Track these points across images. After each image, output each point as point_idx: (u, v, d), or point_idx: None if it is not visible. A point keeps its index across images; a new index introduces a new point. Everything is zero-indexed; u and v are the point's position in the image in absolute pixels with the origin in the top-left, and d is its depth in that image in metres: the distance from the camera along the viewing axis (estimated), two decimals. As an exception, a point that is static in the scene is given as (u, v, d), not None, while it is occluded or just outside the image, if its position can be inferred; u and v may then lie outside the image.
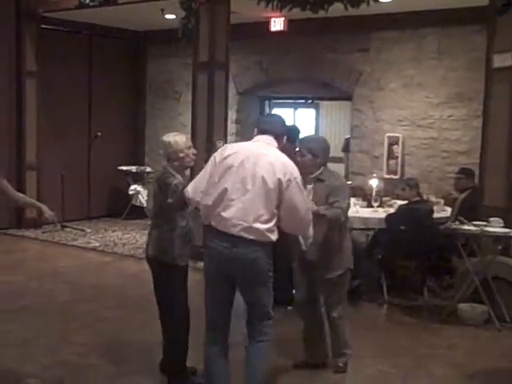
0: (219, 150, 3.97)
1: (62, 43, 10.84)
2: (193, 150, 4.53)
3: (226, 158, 3.82)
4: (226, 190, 3.75)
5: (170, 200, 4.25)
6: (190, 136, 4.70)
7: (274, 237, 3.81)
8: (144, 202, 11.27)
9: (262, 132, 4.02)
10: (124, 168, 11.61)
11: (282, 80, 10.54)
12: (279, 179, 3.74)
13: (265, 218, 3.74)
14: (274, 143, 3.99)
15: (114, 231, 10.46)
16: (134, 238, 9.89)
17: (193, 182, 4.06)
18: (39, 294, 6.90)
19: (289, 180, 3.77)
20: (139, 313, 6.17)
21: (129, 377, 4.69)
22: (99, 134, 10.80)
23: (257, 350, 3.94)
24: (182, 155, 4.43)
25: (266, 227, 3.74)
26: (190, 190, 4.02)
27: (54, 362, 4.96)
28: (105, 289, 7.19)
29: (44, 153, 10.62)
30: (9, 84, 10.32)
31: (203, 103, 8.44)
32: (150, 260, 4.51)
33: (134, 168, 11.65)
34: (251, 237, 3.71)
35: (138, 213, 11.35)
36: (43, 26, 10.44)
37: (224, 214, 3.72)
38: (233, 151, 3.87)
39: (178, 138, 4.46)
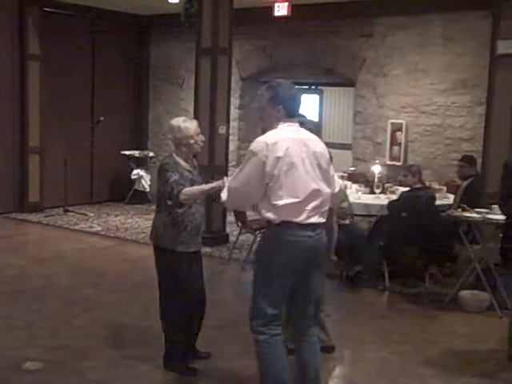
0: (261, 148, 3.57)
1: (65, 27, 10.78)
2: (201, 137, 4.51)
3: (281, 157, 3.55)
4: (299, 185, 3.61)
5: (169, 202, 4.27)
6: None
7: None
8: (147, 187, 11.28)
9: (292, 115, 3.76)
10: (127, 153, 11.60)
11: (286, 65, 10.48)
12: (328, 159, 3.83)
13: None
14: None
15: (116, 216, 10.46)
16: (136, 222, 9.89)
17: (234, 181, 3.71)
18: (40, 278, 6.91)
19: (330, 157, 3.91)
20: (140, 297, 6.18)
21: (128, 361, 4.69)
22: (102, 118, 10.77)
23: (314, 346, 3.92)
24: (191, 141, 4.40)
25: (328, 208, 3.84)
26: (232, 189, 3.71)
27: (56, 345, 4.98)
28: (106, 273, 7.20)
29: (47, 137, 10.61)
30: (12, 68, 10.29)
31: (206, 89, 8.40)
32: (153, 245, 4.54)
33: (136, 153, 11.64)
34: (323, 220, 3.75)
35: (140, 197, 11.37)
36: (46, 9, 10.39)
37: (307, 207, 3.63)
38: (283, 147, 3.57)
39: (189, 124, 4.42)
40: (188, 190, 4.28)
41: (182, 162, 4.41)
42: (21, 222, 9.95)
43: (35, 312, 5.76)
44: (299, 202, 3.59)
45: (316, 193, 3.65)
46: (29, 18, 10.23)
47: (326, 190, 3.73)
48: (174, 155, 4.43)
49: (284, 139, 3.60)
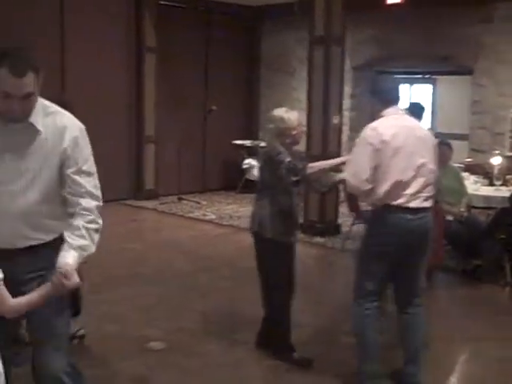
0: (371, 134, 3.82)
1: (180, 19, 11.05)
2: (302, 128, 4.49)
3: (387, 142, 3.77)
4: (403, 170, 3.80)
5: (293, 178, 4.23)
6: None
7: None
8: (257, 176, 11.37)
9: (394, 103, 4.00)
10: (238, 142, 11.76)
11: (398, 54, 10.29)
12: (432, 146, 3.99)
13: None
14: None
15: (228, 204, 10.64)
16: (248, 211, 9.90)
17: (349, 169, 3.93)
18: (157, 263, 7.14)
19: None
20: (252, 284, 6.20)
21: (246, 345, 4.76)
22: (214, 107, 10.96)
23: (416, 318, 4.09)
24: (294, 132, 4.38)
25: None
26: (349, 177, 3.91)
27: (175, 327, 5.13)
28: (220, 260, 7.34)
29: (162, 126, 10.91)
30: (129, 59, 10.65)
31: (319, 78, 8.36)
32: (253, 234, 4.52)
33: (248, 142, 11.77)
34: (428, 205, 3.92)
35: (252, 187, 11.44)
36: (161, 1, 10.68)
37: (408, 191, 3.82)
38: (390, 132, 3.81)
39: (291, 115, 4.39)
40: (313, 164, 4.31)
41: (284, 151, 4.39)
42: (137, 208, 10.30)
43: (154, 295, 5.95)
44: (402, 185, 3.80)
45: (419, 177, 3.83)
46: (145, 10, 10.55)
47: (430, 175, 3.89)
48: (275, 144, 4.37)
49: (391, 126, 3.85)
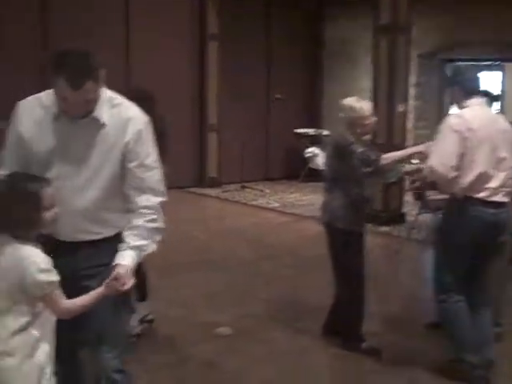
0: (458, 121, 3.79)
1: (242, 6, 11.05)
2: (374, 118, 4.45)
3: (474, 130, 3.76)
4: (487, 162, 3.79)
5: (366, 169, 4.18)
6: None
7: None
8: (321, 165, 11.34)
9: (476, 93, 3.97)
10: (301, 131, 11.75)
11: (465, 41, 10.07)
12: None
13: None
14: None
15: (291, 193, 10.68)
16: (311, 200, 9.98)
17: (435, 156, 3.85)
18: (221, 250, 7.23)
19: None
20: (316, 273, 6.23)
21: (307, 334, 4.78)
22: (278, 96, 10.96)
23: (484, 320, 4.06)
24: (367, 122, 4.34)
25: None
26: (435, 165, 3.83)
27: (241, 314, 5.18)
28: (284, 248, 7.38)
29: (224, 115, 10.98)
30: (192, 47, 10.75)
31: (384, 67, 8.29)
32: (324, 225, 4.50)
33: (311, 131, 11.75)
34: (507, 200, 3.90)
35: (314, 175, 11.45)
36: (225, -11, 10.73)
37: (491, 185, 3.81)
38: (476, 121, 3.79)
39: (364, 105, 4.34)
40: (387, 155, 4.28)
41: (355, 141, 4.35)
42: (200, 196, 10.44)
43: (219, 282, 6.03)
44: (486, 178, 3.77)
45: (501, 171, 3.82)
46: (208, -3, 10.60)
47: (510, 169, 3.87)
48: (346, 134, 4.33)
49: (476, 115, 3.82)
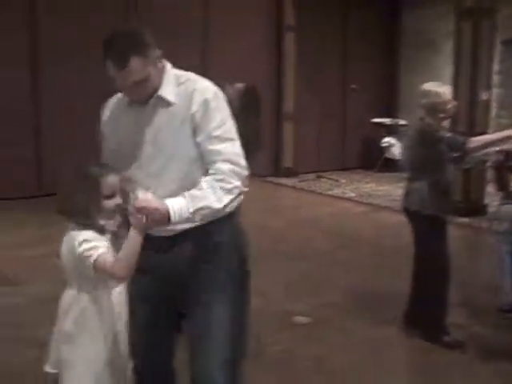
0: None
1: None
2: (455, 102, 4.37)
3: None
4: None
5: (454, 154, 4.13)
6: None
7: None
8: (397, 155, 11.17)
9: None
10: (377, 120, 11.58)
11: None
12: None
13: None
14: None
15: (367, 183, 10.55)
16: (388, 190, 9.86)
17: None
18: (298, 240, 7.20)
19: None
20: (394, 263, 6.13)
21: (386, 324, 4.70)
22: (354, 86, 10.84)
23: None
24: (449, 106, 4.28)
25: None
26: None
27: (318, 303, 5.15)
28: (361, 237, 7.30)
29: (300, 104, 10.94)
30: (269, 38, 10.75)
31: (466, 53, 8.04)
32: (410, 213, 4.43)
33: (387, 120, 11.57)
34: None
35: (390, 166, 11.29)
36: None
37: None
38: None
39: (445, 89, 4.31)
40: (476, 138, 4.19)
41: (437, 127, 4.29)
42: (277, 185, 10.44)
43: (296, 271, 6.01)
44: None
45: None
46: (286, -12, 10.58)
47: None
48: (427, 119, 4.27)
49: None
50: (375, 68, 11.93)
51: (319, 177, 10.68)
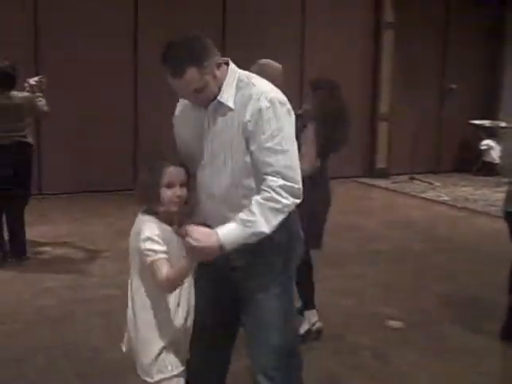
0: None
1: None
2: None
3: None
4: None
5: None
6: None
7: None
8: (496, 159, 10.81)
9: None
10: (476, 122, 11.25)
11: None
12: None
13: None
14: None
15: (463, 186, 10.26)
16: (485, 194, 9.56)
17: None
18: (392, 241, 7.08)
19: None
20: (490, 271, 5.89)
21: (484, 334, 4.53)
22: (454, 86, 10.56)
23: None
24: None
25: None
26: None
27: (413, 307, 5.04)
28: (457, 242, 7.10)
29: (396, 104, 10.76)
30: (366, 34, 10.63)
31: None
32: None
33: (487, 122, 11.22)
34: None
35: (489, 169, 10.93)
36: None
37: None
38: None
39: None
40: None
41: None
42: (369, 186, 10.32)
43: (390, 273, 5.92)
44: None
45: None
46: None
47: None
48: None
49: None
50: (476, 69, 11.55)
51: (412, 178, 10.47)
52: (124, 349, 2.66)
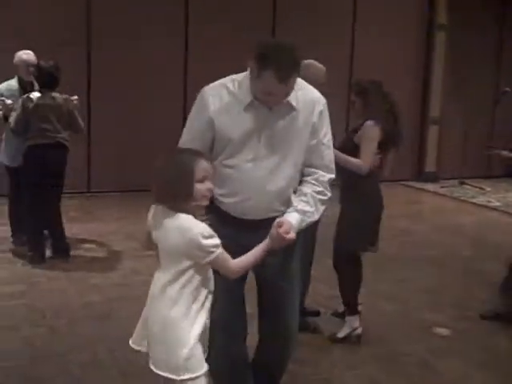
0: None
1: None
2: None
3: None
4: None
5: None
6: None
7: None
8: (550, 164, 10.55)
9: None
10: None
11: None
12: None
13: None
14: None
15: (515, 192, 10.05)
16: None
17: None
18: (440, 246, 6.97)
19: None
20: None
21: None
22: (507, 90, 10.32)
23: None
24: None
25: None
26: None
27: (460, 315, 4.93)
28: (507, 250, 6.90)
29: (447, 107, 10.60)
30: (418, 36, 10.49)
31: None
32: None
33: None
34: None
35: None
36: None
37: None
38: None
39: None
40: None
41: None
42: (418, 190, 10.19)
43: (437, 279, 5.82)
44: None
45: None
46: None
47: None
48: None
49: None
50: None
51: (462, 183, 10.29)
52: (137, 347, 2.62)
